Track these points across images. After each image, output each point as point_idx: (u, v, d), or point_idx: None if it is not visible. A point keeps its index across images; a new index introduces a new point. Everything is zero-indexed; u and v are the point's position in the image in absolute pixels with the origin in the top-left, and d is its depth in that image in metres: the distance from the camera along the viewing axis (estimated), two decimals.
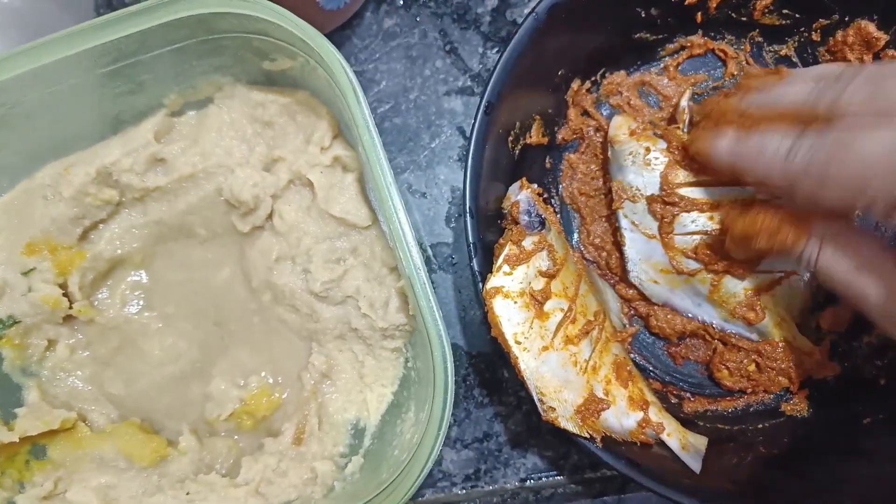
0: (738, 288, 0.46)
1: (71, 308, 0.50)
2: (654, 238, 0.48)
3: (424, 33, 0.58)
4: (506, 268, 0.42)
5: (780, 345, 0.46)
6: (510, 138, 0.48)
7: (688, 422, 0.47)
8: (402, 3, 0.58)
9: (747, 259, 0.45)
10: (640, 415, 0.44)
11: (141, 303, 0.53)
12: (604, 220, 0.52)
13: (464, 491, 0.53)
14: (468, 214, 0.43)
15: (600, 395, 0.43)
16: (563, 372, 0.42)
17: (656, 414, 0.44)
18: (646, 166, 0.47)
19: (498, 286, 0.41)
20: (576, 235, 0.53)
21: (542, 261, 0.43)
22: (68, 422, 0.49)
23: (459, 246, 0.56)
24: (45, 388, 0.51)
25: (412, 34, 0.58)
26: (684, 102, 0.50)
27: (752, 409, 0.49)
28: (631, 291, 0.51)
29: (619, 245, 0.50)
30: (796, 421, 0.48)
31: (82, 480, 0.48)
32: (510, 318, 0.41)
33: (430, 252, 0.56)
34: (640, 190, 0.47)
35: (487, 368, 0.55)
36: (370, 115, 0.41)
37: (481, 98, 0.44)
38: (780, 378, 0.47)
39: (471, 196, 0.43)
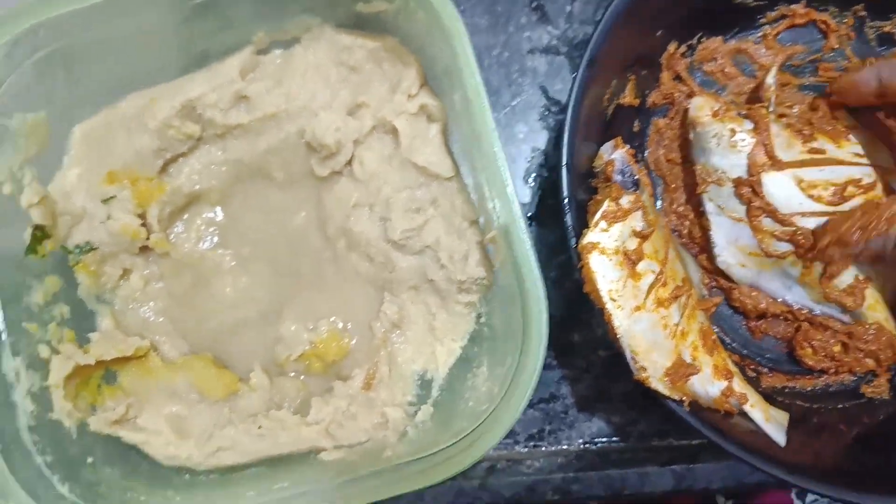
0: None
1: (147, 239, 0.50)
2: (741, 221, 0.46)
3: None
4: (603, 224, 0.41)
5: (873, 327, 0.45)
6: (605, 97, 0.47)
7: (766, 396, 0.46)
8: None
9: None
10: (725, 384, 0.43)
11: (215, 240, 0.53)
12: (689, 188, 0.51)
13: (526, 449, 0.53)
14: (565, 169, 0.42)
15: (688, 360, 0.42)
16: (654, 334, 0.41)
17: (740, 385, 0.44)
18: (731, 148, 0.45)
19: (594, 241, 0.41)
20: (659, 202, 0.52)
21: (636, 221, 0.43)
22: (141, 350, 0.50)
23: (539, 205, 0.55)
24: (117, 317, 0.51)
25: None
26: (770, 80, 0.48)
27: (830, 389, 0.48)
28: (712, 264, 0.50)
29: (704, 228, 0.49)
30: (876, 403, 0.47)
31: (154, 408, 0.49)
32: (605, 274, 0.41)
33: None
34: (725, 173, 0.46)
35: (558, 331, 0.54)
36: (475, 57, 0.40)
37: (584, 51, 0.43)
38: (867, 360, 0.46)
39: (568, 151, 0.43)
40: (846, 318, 0.47)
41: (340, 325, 0.53)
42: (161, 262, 0.52)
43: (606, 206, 0.42)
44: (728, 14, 0.51)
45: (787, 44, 0.52)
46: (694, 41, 0.51)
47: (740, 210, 0.46)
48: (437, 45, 0.43)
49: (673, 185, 0.52)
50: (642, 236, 0.43)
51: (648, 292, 0.42)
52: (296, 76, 0.50)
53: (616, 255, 0.41)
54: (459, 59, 0.40)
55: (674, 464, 0.52)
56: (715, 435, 0.40)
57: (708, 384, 0.43)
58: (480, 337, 0.51)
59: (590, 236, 0.41)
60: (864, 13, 0.51)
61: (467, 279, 0.48)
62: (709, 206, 0.48)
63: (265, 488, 0.44)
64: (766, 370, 0.49)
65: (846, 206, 0.44)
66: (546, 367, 0.54)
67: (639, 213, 0.43)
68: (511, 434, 0.53)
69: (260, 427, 0.47)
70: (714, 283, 0.51)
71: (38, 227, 0.46)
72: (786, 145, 0.44)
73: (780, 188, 0.45)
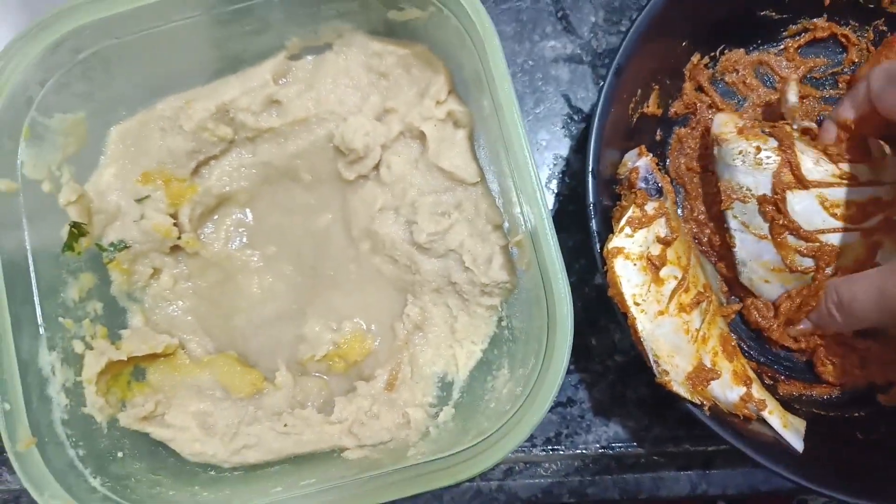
0: None
1: (179, 239, 0.51)
2: (764, 238, 0.47)
3: None
4: (628, 229, 0.42)
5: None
6: (630, 105, 0.48)
7: (783, 403, 0.47)
8: None
9: None
10: (744, 389, 0.44)
11: (244, 240, 0.54)
12: (710, 197, 0.52)
13: (543, 453, 0.54)
14: (591, 175, 0.43)
15: (708, 365, 0.43)
16: (676, 338, 0.42)
17: (758, 391, 0.44)
18: (757, 166, 0.45)
19: (620, 247, 0.42)
20: (680, 210, 0.53)
21: (660, 227, 0.44)
22: (171, 347, 0.51)
23: (559, 211, 0.56)
24: (147, 315, 0.52)
25: None
26: (793, 97, 0.48)
27: (846, 397, 0.49)
28: (731, 273, 0.51)
29: (724, 240, 0.50)
30: (893, 411, 0.48)
31: (181, 405, 0.50)
32: (629, 279, 0.41)
33: None
34: (750, 190, 0.46)
35: (576, 335, 0.54)
36: (507, 67, 0.41)
37: (608, 64, 0.44)
38: (888, 370, 0.47)
39: (594, 157, 0.44)
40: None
41: (364, 325, 0.54)
42: (190, 261, 0.53)
43: (631, 212, 0.43)
44: (751, 27, 0.52)
45: (808, 57, 0.53)
46: (717, 52, 0.52)
47: (764, 227, 0.46)
48: (465, 52, 0.44)
49: (693, 194, 0.53)
50: (666, 242, 0.44)
51: (671, 297, 0.43)
52: (326, 81, 0.51)
53: (640, 261, 0.42)
54: (492, 66, 0.41)
55: (689, 469, 0.53)
56: (734, 439, 0.41)
57: (727, 389, 0.43)
58: (501, 340, 0.51)
59: (615, 241, 0.42)
60: (884, 28, 0.52)
61: (490, 282, 0.49)
62: (733, 223, 0.48)
63: (291, 483, 0.45)
64: (783, 378, 0.50)
65: (868, 224, 0.45)
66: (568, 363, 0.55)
67: (663, 220, 0.44)
68: (529, 437, 0.54)
69: (285, 425, 0.48)
70: (731, 293, 0.51)
71: (75, 225, 0.47)
72: (811, 163, 0.44)
73: (804, 206, 0.44)
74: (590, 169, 0.43)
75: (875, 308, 0.41)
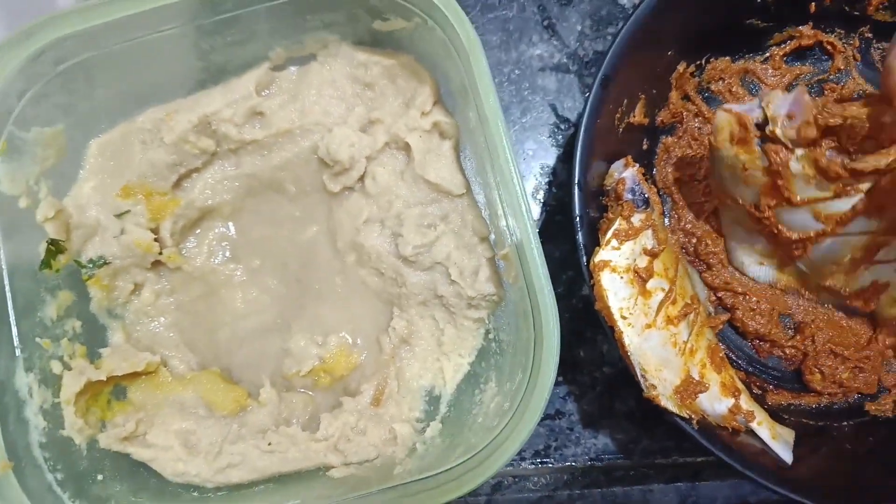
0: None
1: (160, 254, 0.51)
2: (755, 231, 0.47)
3: (523, 7, 0.58)
4: (614, 242, 0.42)
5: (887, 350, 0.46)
6: (617, 115, 0.48)
7: (772, 414, 0.47)
8: None
9: None
10: (732, 401, 0.43)
11: (227, 254, 0.53)
12: (696, 206, 0.52)
13: (532, 466, 0.53)
14: (577, 187, 0.43)
15: (696, 377, 0.42)
16: (664, 351, 0.42)
17: (747, 402, 0.44)
18: (744, 182, 0.43)
19: (606, 259, 0.41)
20: (667, 220, 0.53)
21: (647, 239, 0.43)
22: (152, 365, 0.50)
23: (546, 222, 0.56)
24: (128, 332, 0.51)
25: (510, 6, 0.58)
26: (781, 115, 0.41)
27: (835, 407, 0.49)
28: (718, 281, 0.51)
29: (719, 231, 0.50)
30: (881, 421, 0.48)
31: (163, 424, 0.49)
32: (616, 292, 0.41)
33: None
34: (739, 198, 0.45)
35: (563, 347, 0.54)
36: (492, 79, 0.41)
37: (595, 73, 0.44)
38: (876, 377, 0.47)
39: (580, 169, 0.43)
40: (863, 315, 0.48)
41: (349, 339, 0.53)
42: (172, 276, 0.52)
43: (618, 224, 0.42)
44: (736, 35, 0.52)
45: (794, 65, 0.53)
46: (703, 61, 0.52)
47: (752, 225, 0.47)
48: (452, 63, 0.44)
49: (681, 203, 0.52)
50: (653, 254, 0.43)
51: (658, 310, 0.42)
52: (311, 92, 0.51)
53: (627, 273, 0.42)
54: (477, 78, 0.41)
55: (678, 481, 0.52)
56: (723, 452, 0.40)
57: (716, 401, 0.43)
58: (488, 353, 0.51)
59: (601, 254, 0.41)
60: (870, 35, 0.52)
61: (477, 295, 0.49)
62: (724, 217, 0.48)
63: (276, 503, 0.44)
64: (771, 387, 0.50)
65: (870, 227, 0.43)
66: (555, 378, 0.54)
67: (649, 232, 0.43)
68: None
69: (270, 443, 0.47)
70: (719, 302, 0.51)
71: (52, 242, 0.46)
72: (803, 183, 0.41)
73: (794, 217, 0.43)
74: (576, 181, 0.43)
75: None
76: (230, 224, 0.54)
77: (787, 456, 0.43)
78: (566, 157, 0.56)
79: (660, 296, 0.43)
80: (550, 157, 0.56)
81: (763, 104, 0.40)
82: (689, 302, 0.45)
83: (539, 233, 0.56)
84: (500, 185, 0.41)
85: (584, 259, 0.42)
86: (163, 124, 0.49)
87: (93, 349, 0.49)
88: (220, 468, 0.47)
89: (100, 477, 0.46)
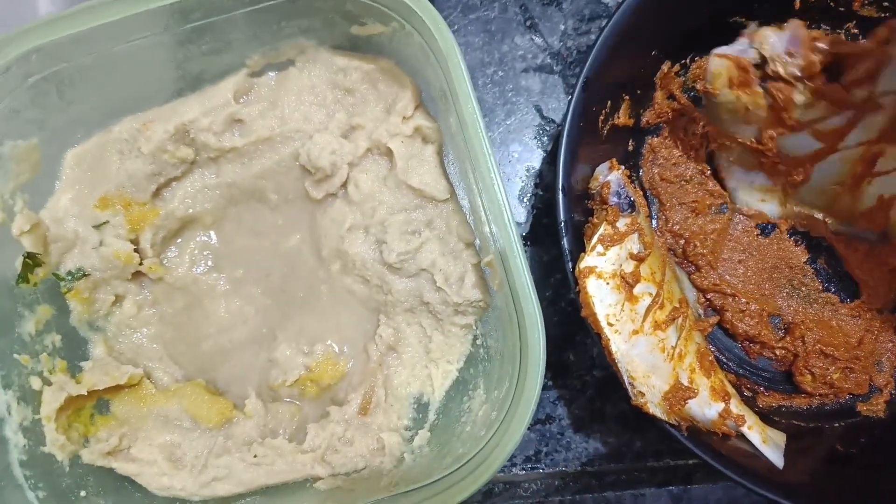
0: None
1: (141, 265, 0.50)
2: (754, 169, 0.48)
3: (505, 7, 0.57)
4: (599, 248, 0.41)
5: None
6: (601, 117, 0.47)
7: (763, 416, 0.46)
8: None
9: None
10: (722, 406, 0.43)
11: (209, 264, 0.53)
12: (684, 206, 0.51)
13: (523, 472, 0.53)
14: (561, 192, 0.42)
15: (685, 383, 0.42)
16: (652, 357, 0.41)
17: (737, 406, 0.44)
18: (744, 122, 0.45)
19: (591, 266, 0.41)
20: (654, 221, 0.52)
21: (633, 243, 0.43)
22: (135, 378, 0.49)
23: (533, 225, 0.55)
24: (110, 344, 0.51)
25: (492, 7, 0.57)
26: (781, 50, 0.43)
27: (827, 408, 0.48)
28: (706, 282, 0.50)
29: (718, 176, 0.51)
30: (872, 421, 0.47)
31: (147, 438, 0.48)
32: (602, 298, 0.40)
33: None
34: (740, 136, 0.47)
35: (553, 351, 0.54)
36: (471, 83, 0.40)
37: (579, 73, 0.43)
38: (867, 377, 0.46)
39: (563, 173, 0.43)
40: (873, 237, 0.48)
41: (336, 348, 0.52)
42: (154, 287, 0.52)
43: (603, 229, 0.42)
44: (721, 33, 0.51)
45: None
46: (687, 60, 0.52)
47: (753, 160, 0.47)
48: (432, 68, 0.43)
49: (668, 204, 0.52)
50: (639, 258, 0.43)
51: (646, 315, 0.42)
52: (290, 98, 0.50)
53: (613, 279, 0.41)
54: (455, 84, 0.40)
55: (670, 484, 0.52)
56: (713, 458, 0.40)
57: (705, 406, 0.42)
58: (476, 359, 0.50)
59: (587, 260, 0.41)
60: (855, 30, 0.51)
61: (463, 301, 0.48)
62: (722, 160, 0.49)
63: None
64: (762, 389, 0.49)
65: (867, 137, 0.44)
66: (542, 387, 0.54)
67: (635, 236, 0.43)
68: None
69: (255, 455, 0.46)
70: (708, 304, 0.51)
71: (29, 255, 0.46)
72: (804, 106, 0.43)
73: (794, 141, 0.45)
74: (560, 186, 0.42)
75: None
76: (212, 233, 0.53)
77: (777, 460, 0.42)
78: (552, 159, 0.55)
79: (647, 300, 0.42)
80: (536, 158, 0.56)
81: (756, 45, 0.40)
82: (677, 306, 0.44)
83: (526, 236, 0.55)
84: (483, 192, 0.40)
85: (570, 265, 0.42)
86: (140, 134, 0.48)
87: (73, 363, 0.48)
88: (205, 482, 0.47)
89: (83, 493, 0.45)
